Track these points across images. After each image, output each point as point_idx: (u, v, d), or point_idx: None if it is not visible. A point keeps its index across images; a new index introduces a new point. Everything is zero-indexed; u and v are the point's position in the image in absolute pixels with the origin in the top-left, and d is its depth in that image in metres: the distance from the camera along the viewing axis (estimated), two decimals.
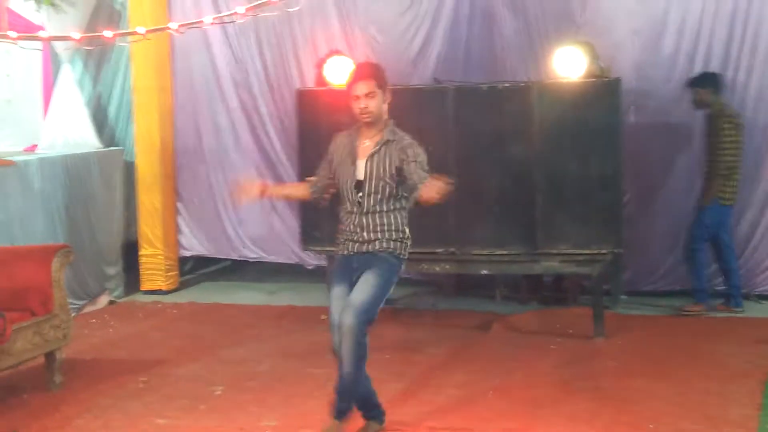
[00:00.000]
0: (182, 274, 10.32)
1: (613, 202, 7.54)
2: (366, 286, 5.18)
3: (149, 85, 9.74)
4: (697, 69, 8.59)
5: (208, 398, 6.27)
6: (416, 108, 7.49)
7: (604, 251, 7.54)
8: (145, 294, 9.75)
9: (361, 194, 5.28)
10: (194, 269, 10.75)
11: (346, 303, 5.18)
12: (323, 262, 8.53)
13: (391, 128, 5.33)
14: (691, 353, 7.15)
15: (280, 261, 10.15)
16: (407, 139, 5.30)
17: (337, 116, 7.83)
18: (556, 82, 7.71)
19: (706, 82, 8.28)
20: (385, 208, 5.29)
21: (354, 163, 5.33)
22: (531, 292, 9.11)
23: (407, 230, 5.37)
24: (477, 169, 7.70)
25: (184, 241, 10.23)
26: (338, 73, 8.06)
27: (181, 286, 10.12)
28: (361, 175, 5.29)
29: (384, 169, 5.24)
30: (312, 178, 5.62)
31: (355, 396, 5.34)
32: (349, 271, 5.33)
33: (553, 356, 7.17)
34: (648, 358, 7.05)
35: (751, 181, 8.58)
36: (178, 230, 10.19)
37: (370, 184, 5.26)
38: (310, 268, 9.86)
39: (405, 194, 5.31)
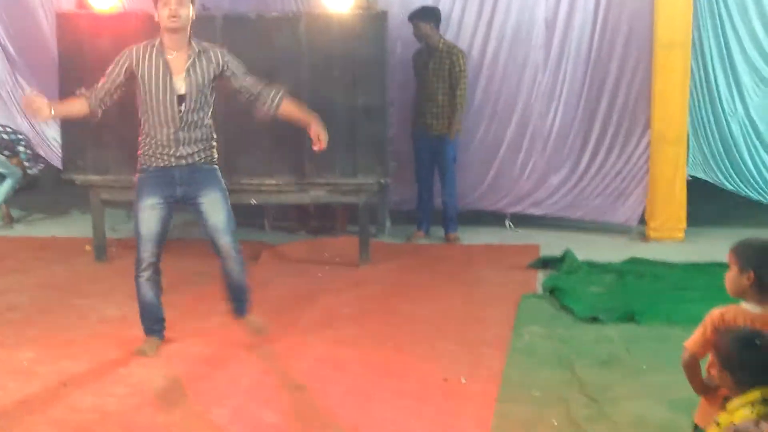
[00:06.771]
0: None
1: (379, 133, 7.69)
2: (219, 205, 5.45)
3: None
4: (459, 5, 8.83)
5: None
6: None
7: (370, 181, 7.71)
8: None
9: (182, 108, 5.25)
10: None
11: (214, 229, 5.45)
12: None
13: (195, 39, 5.29)
14: (454, 279, 7.47)
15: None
16: (219, 48, 5.38)
17: (100, 41, 7.60)
18: (325, 13, 7.75)
19: (429, 16, 8.48)
20: (203, 121, 5.35)
21: (170, 77, 5.24)
22: (300, 221, 9.22)
23: (215, 135, 5.51)
24: None
25: None
26: None
27: None
28: (182, 89, 5.25)
29: (203, 82, 5.27)
30: (85, 91, 5.40)
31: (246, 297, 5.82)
32: (166, 183, 5.37)
33: (320, 284, 7.32)
34: (412, 284, 7.31)
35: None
36: None
37: (191, 98, 5.26)
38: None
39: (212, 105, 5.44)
